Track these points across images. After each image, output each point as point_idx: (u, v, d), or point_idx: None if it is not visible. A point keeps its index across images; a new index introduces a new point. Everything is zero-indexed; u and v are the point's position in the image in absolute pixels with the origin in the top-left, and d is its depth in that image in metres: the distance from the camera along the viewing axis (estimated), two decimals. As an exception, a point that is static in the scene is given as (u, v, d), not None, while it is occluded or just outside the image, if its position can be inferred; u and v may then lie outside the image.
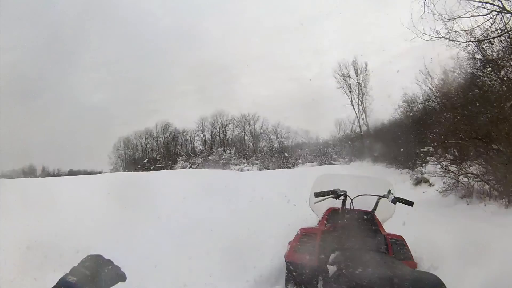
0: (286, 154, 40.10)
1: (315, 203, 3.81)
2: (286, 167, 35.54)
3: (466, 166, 9.02)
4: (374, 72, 39.33)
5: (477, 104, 7.78)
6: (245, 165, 39.63)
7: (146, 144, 50.09)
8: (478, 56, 9.10)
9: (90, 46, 58.39)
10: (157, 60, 58.91)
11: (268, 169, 36.25)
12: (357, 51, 50.20)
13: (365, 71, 39.52)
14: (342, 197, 3.69)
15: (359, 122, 39.14)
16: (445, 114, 9.31)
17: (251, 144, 45.67)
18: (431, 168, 12.31)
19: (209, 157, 42.61)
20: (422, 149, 13.35)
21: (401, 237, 3.67)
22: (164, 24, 55.09)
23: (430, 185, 12.03)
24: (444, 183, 9.53)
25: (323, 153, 38.25)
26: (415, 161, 15.84)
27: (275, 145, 44.47)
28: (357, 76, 39.59)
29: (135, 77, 58.14)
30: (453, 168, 9.56)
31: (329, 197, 3.66)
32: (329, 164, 33.84)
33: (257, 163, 39.95)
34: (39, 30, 54.09)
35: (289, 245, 3.75)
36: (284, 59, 58.80)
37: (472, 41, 8.80)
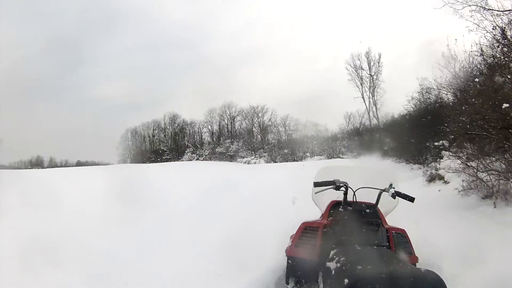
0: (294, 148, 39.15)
1: (316, 193, 3.66)
2: (294, 161, 34.43)
3: (489, 161, 7.87)
4: (387, 64, 38.51)
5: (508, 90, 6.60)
6: (252, 157, 38.64)
7: (153, 136, 49.74)
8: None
9: (96, 40, 58.10)
10: (164, 53, 59.19)
11: (275, 162, 35.23)
12: (370, 43, 48.93)
13: (378, 62, 38.71)
14: (343, 189, 3.58)
15: (369, 115, 38.37)
16: (471, 100, 8.04)
17: (259, 136, 44.85)
18: (447, 164, 11.22)
19: (216, 149, 41.74)
20: (436, 143, 12.20)
21: (404, 230, 3.57)
22: (172, 16, 54.65)
23: (445, 182, 10.90)
24: (463, 180, 8.39)
25: (331, 147, 37.02)
26: (427, 156, 14.74)
27: (283, 137, 43.61)
28: (369, 68, 38.48)
29: (142, 69, 57.52)
30: (472, 164, 8.44)
31: (329, 188, 3.55)
32: (337, 157, 32.69)
33: (264, 156, 38.91)
34: (44, 23, 53.77)
35: (291, 239, 3.66)
36: (296, 52, 57.80)
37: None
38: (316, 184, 3.56)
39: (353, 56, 39.64)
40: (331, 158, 32.19)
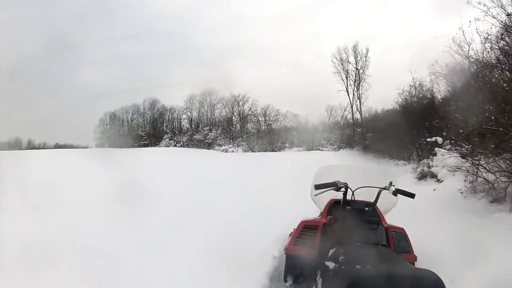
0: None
1: (315, 195, 3.60)
2: (272, 151, 33.25)
3: (493, 161, 6.80)
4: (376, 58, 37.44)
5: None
6: (230, 146, 37.34)
7: (132, 120, 48.27)
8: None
9: (80, 24, 55.74)
10: (150, 39, 56.93)
11: (253, 151, 34.01)
12: (359, 37, 47.89)
13: (365, 57, 37.05)
14: (343, 189, 3.49)
15: (352, 109, 36.71)
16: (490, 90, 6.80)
17: (238, 125, 43.35)
18: (441, 161, 10.19)
19: (194, 136, 40.36)
20: (428, 139, 11.15)
21: (403, 229, 3.46)
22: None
23: (438, 181, 9.85)
24: (465, 180, 7.34)
25: (311, 138, 35.79)
26: (416, 152, 13.73)
27: (263, 127, 42.25)
28: (356, 61, 37.12)
29: (126, 58, 55.39)
30: (476, 162, 7.38)
31: (330, 189, 3.46)
32: (316, 150, 31.58)
33: (242, 145, 37.63)
34: (28, 6, 51.00)
35: (290, 238, 3.62)
36: (281, 45, 56.58)
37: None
38: (317, 187, 3.43)
39: (339, 49, 37.81)
40: (310, 150, 31.10)
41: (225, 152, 33.27)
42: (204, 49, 54.62)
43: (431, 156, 10.59)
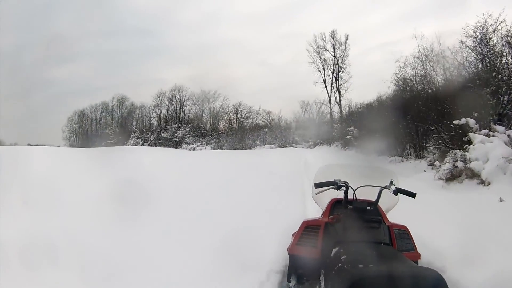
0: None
1: (316, 194, 3.34)
2: (242, 149, 29.21)
3: None
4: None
5: None
6: (198, 144, 33.16)
7: (100, 119, 44.62)
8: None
9: (51, 19, 51.36)
10: (122, 40, 53.19)
11: (222, 149, 29.89)
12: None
13: (345, 44, 32.81)
14: (343, 188, 3.15)
15: (330, 102, 32.40)
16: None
17: (208, 123, 39.10)
18: (479, 152, 6.39)
19: (162, 135, 36.17)
20: (456, 122, 7.31)
21: (405, 227, 3.15)
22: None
23: (483, 183, 6.02)
24: None
25: (284, 135, 31.51)
26: (422, 143, 9.96)
27: (235, 125, 38.09)
28: (334, 49, 32.68)
29: (99, 55, 51.58)
30: None
31: (330, 188, 3.19)
32: (290, 147, 27.58)
33: (211, 143, 33.43)
34: None
35: (292, 237, 3.33)
36: (256, 43, 53.02)
37: None
38: (317, 185, 3.15)
39: (315, 37, 33.58)
40: (283, 147, 27.16)
41: (193, 150, 29.22)
42: (178, 47, 51.17)
43: (466, 146, 6.71)
